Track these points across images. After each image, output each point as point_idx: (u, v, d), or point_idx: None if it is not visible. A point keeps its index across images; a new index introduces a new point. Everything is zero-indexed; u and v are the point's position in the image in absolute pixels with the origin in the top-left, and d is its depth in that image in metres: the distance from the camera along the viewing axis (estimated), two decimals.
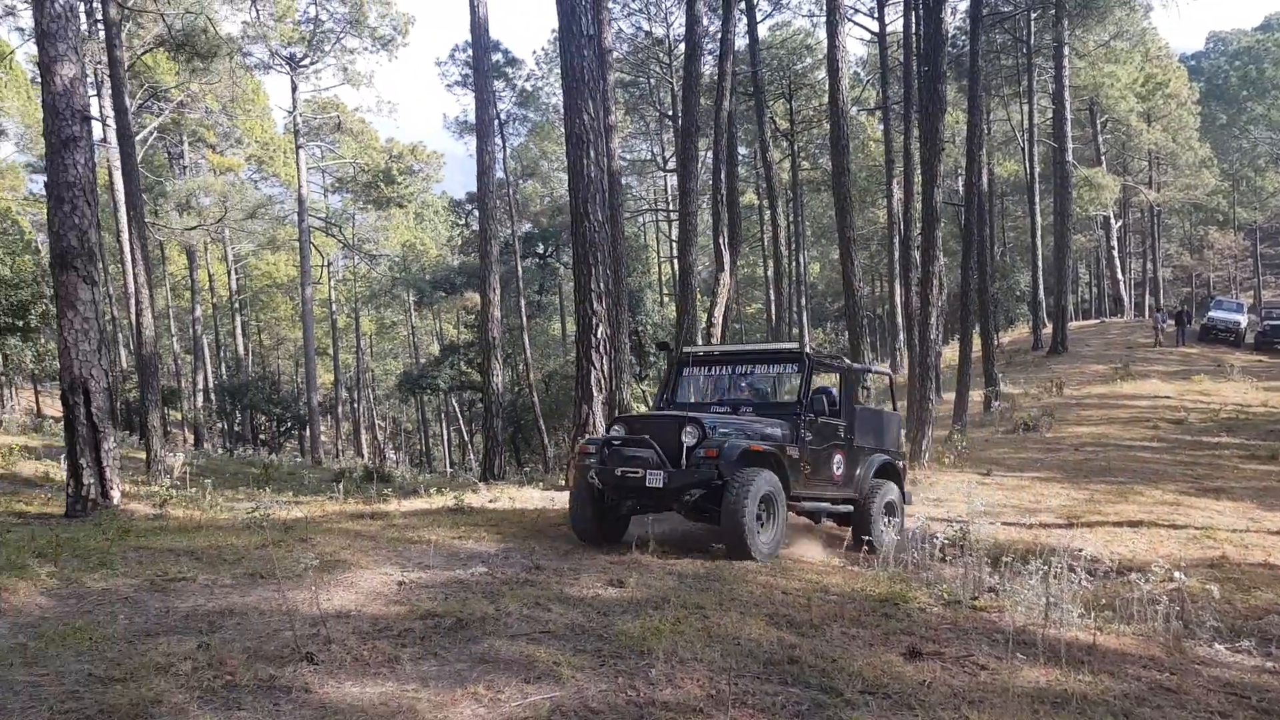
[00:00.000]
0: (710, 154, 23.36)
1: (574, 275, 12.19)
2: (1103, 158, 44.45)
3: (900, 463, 9.84)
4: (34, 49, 13.08)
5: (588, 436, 9.66)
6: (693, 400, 9.60)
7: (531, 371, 31.27)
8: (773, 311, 36.50)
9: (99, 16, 21.68)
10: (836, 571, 7.58)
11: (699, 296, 20.07)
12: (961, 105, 32.78)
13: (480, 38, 18.59)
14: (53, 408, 35.08)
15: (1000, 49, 36.37)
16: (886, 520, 9.10)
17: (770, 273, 38.26)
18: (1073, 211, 35.35)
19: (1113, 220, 47.53)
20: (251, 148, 43.98)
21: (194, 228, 35.61)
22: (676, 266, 28.26)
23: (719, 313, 15.20)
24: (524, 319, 34.71)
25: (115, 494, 9.66)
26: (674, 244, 43.47)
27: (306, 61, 35.35)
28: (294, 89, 35.12)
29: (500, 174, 32.47)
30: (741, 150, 38.93)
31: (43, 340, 26.46)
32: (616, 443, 8.02)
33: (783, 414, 8.44)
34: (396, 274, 49.15)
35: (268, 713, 3.81)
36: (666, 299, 45.47)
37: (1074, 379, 25.71)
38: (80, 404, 9.40)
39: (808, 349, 8.90)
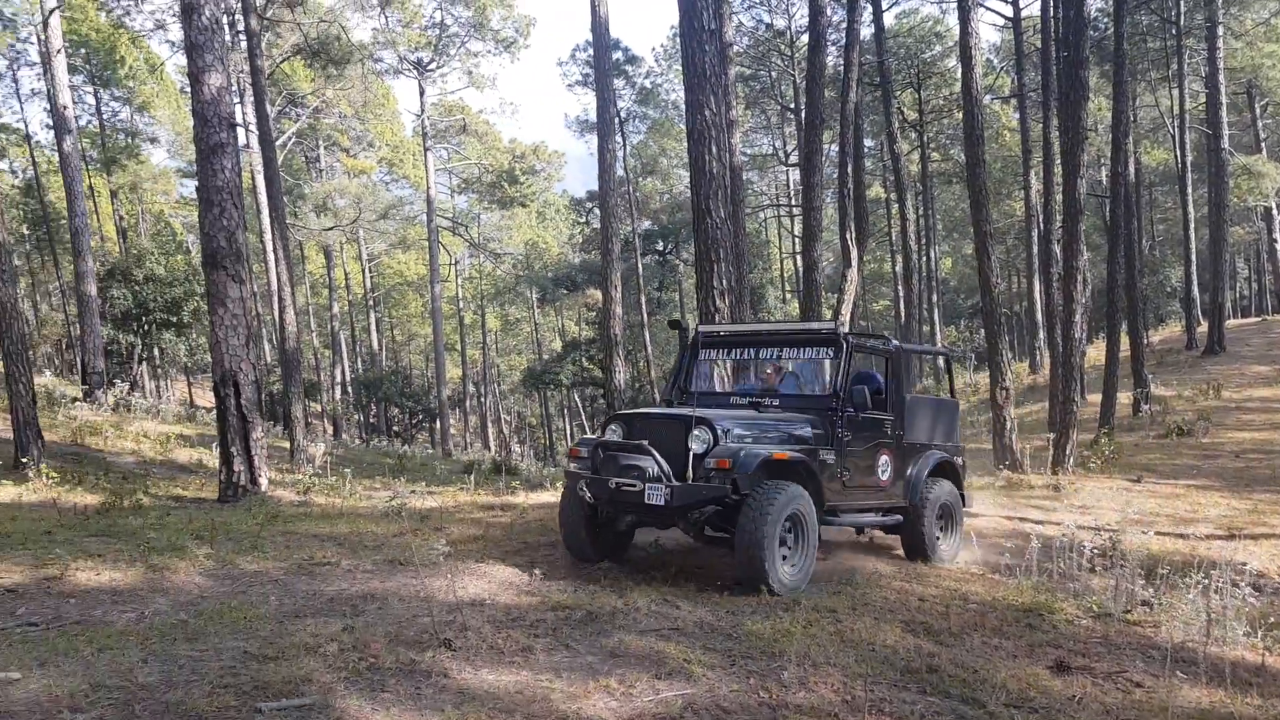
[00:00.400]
0: (835, 147, 22.88)
1: (696, 272, 12.11)
2: (1263, 144, 41.35)
3: (959, 459, 8.43)
4: (182, 60, 13.96)
5: (582, 436, 8.05)
6: (709, 389, 8.36)
7: (652, 368, 31.43)
8: (901, 308, 35.55)
9: (241, 28, 22.99)
10: (975, 579, 7.29)
11: (824, 293, 19.70)
12: (1104, 91, 31.11)
13: (601, 37, 18.71)
14: (204, 398, 37.41)
15: (1146, 31, 34.27)
16: (943, 529, 7.99)
17: (899, 268, 37.28)
18: (1229, 202, 33.00)
19: (1274, 211, 44.17)
20: (382, 151, 45.83)
21: (331, 228, 37.36)
22: (800, 263, 27.89)
23: (846, 310, 14.76)
24: (644, 316, 34.99)
25: (263, 480, 10.21)
26: (796, 239, 43.02)
27: (433, 66, 36.50)
28: (421, 93, 36.33)
29: (620, 172, 32.78)
30: (867, 142, 38.05)
31: (194, 335, 28.31)
32: (613, 446, 6.71)
33: (816, 407, 7.18)
34: (520, 272, 50.36)
35: (410, 695, 3.91)
36: (789, 295, 44.94)
37: (1233, 381, 24.02)
38: (231, 395, 9.96)
39: (846, 329, 7.50)
